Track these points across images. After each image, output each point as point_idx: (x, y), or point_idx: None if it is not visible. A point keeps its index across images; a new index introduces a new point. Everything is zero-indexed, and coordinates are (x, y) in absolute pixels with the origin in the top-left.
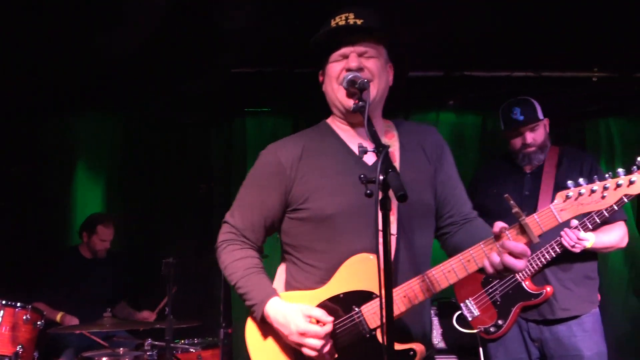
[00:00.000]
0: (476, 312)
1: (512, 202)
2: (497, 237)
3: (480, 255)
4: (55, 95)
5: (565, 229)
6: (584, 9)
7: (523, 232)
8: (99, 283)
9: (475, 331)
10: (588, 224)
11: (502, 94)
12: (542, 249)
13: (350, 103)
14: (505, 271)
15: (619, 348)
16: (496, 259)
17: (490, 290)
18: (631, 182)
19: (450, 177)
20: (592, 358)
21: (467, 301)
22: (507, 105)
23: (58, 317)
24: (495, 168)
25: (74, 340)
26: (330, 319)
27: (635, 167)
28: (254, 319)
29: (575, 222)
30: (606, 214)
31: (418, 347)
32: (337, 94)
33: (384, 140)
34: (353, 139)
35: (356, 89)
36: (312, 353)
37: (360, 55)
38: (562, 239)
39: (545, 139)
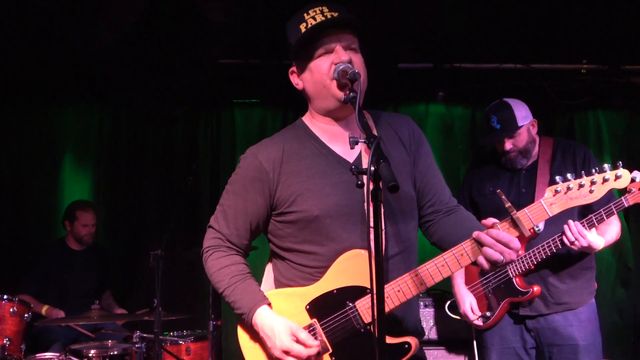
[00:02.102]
0: None
1: (503, 197)
2: (489, 228)
3: (475, 249)
4: (42, 87)
5: (569, 222)
6: (574, 1)
7: (515, 226)
8: (86, 275)
9: (465, 319)
10: (594, 220)
11: (491, 86)
12: (535, 249)
13: (341, 94)
14: (495, 265)
15: (607, 338)
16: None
17: (485, 282)
18: (617, 177)
19: (429, 166)
20: (588, 348)
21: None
22: (487, 111)
23: (43, 310)
24: (488, 166)
25: (62, 333)
26: (316, 343)
27: (620, 162)
28: (244, 324)
29: (572, 222)
30: (614, 210)
31: (412, 340)
32: (329, 89)
33: (359, 133)
34: (333, 139)
35: (347, 79)
36: None
37: (345, 48)
38: (563, 235)
39: (527, 143)
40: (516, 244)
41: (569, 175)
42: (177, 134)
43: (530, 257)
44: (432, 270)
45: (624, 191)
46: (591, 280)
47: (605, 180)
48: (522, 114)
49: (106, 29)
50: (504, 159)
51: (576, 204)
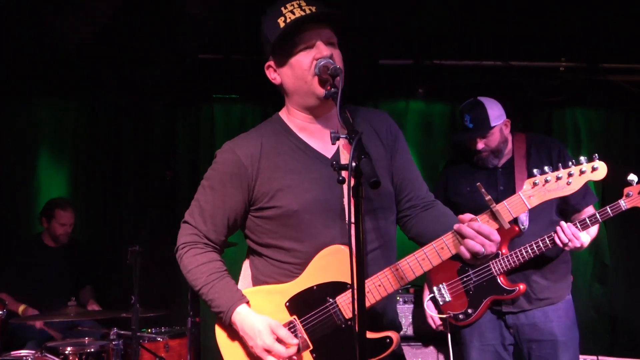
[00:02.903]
0: (448, 298)
1: (483, 190)
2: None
3: (455, 243)
4: (17, 81)
5: (562, 224)
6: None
7: (494, 219)
8: (62, 271)
9: (444, 316)
10: (589, 222)
11: (471, 83)
12: (522, 248)
13: (322, 91)
14: (477, 257)
15: (584, 334)
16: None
17: (465, 279)
18: (594, 169)
19: (406, 162)
20: (567, 344)
21: (440, 285)
22: (461, 109)
23: (20, 309)
24: (464, 165)
25: (38, 331)
26: (295, 341)
27: (596, 155)
28: (222, 324)
29: (564, 224)
30: (610, 213)
31: (394, 334)
32: (310, 86)
33: (341, 129)
34: (311, 135)
35: (329, 75)
36: None
37: (326, 43)
38: (555, 234)
39: (499, 144)
40: (496, 236)
41: (546, 168)
42: (156, 129)
43: (517, 256)
44: (413, 264)
45: (621, 194)
46: (568, 273)
47: (582, 172)
48: (496, 113)
49: (83, 21)
50: (475, 157)
51: (554, 196)
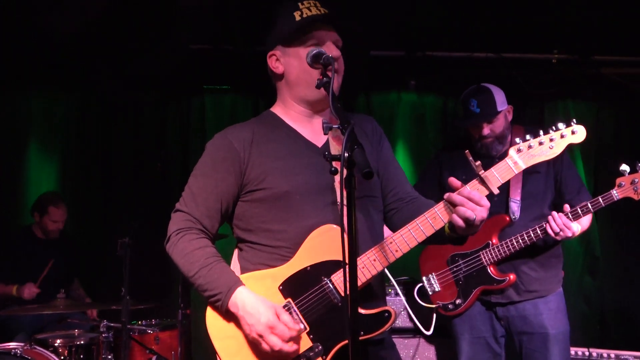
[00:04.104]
0: (437, 288)
1: (470, 158)
2: (454, 188)
3: (447, 211)
4: (7, 73)
5: (553, 214)
6: None
7: (483, 184)
8: (52, 264)
9: (433, 306)
10: (580, 212)
11: (463, 75)
12: (513, 238)
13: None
14: (469, 224)
15: (574, 326)
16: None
17: (455, 269)
18: (573, 132)
19: (391, 160)
20: (557, 337)
21: (430, 275)
22: (465, 94)
23: (14, 290)
24: (460, 153)
25: (27, 322)
26: (298, 327)
27: (574, 119)
28: (216, 308)
29: (568, 208)
30: (602, 203)
31: (391, 309)
32: (312, 74)
33: (332, 119)
34: (303, 126)
35: (320, 64)
36: (268, 349)
37: (334, 45)
38: (547, 224)
39: (504, 129)
40: (486, 202)
41: (528, 136)
42: (147, 120)
43: (507, 246)
44: (407, 236)
45: (612, 185)
46: (559, 268)
47: (562, 136)
48: (501, 99)
49: (75, 12)
50: (479, 144)
51: (538, 160)
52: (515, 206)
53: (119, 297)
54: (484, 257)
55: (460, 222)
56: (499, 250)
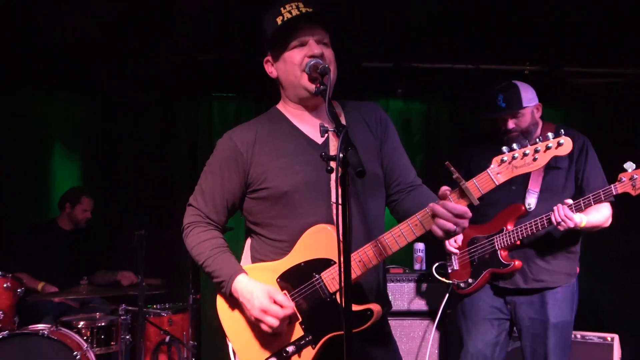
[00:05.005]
0: (456, 267)
1: (452, 168)
2: (442, 199)
3: (428, 220)
4: (31, 80)
5: (559, 205)
6: (518, 9)
7: (464, 195)
8: (74, 253)
9: (450, 282)
10: (582, 204)
11: (445, 84)
12: (522, 225)
13: (312, 87)
14: (448, 234)
15: None
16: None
17: (472, 251)
18: (559, 144)
19: (395, 149)
20: (557, 326)
21: (452, 255)
22: (495, 89)
23: (39, 286)
24: (488, 146)
25: (52, 307)
26: (291, 304)
27: (562, 130)
28: (223, 294)
29: (570, 201)
30: (602, 197)
31: (375, 307)
32: (300, 80)
33: (329, 122)
34: (304, 123)
35: (318, 74)
36: (268, 329)
37: (317, 42)
38: (552, 214)
39: (529, 125)
40: (468, 214)
41: (514, 145)
42: (159, 124)
43: (517, 233)
44: (390, 240)
45: (614, 179)
46: (573, 264)
47: (547, 148)
48: (529, 96)
49: (90, 22)
50: (505, 138)
51: (521, 172)
52: (531, 197)
53: (135, 284)
54: (497, 242)
55: (439, 233)
56: (511, 237)
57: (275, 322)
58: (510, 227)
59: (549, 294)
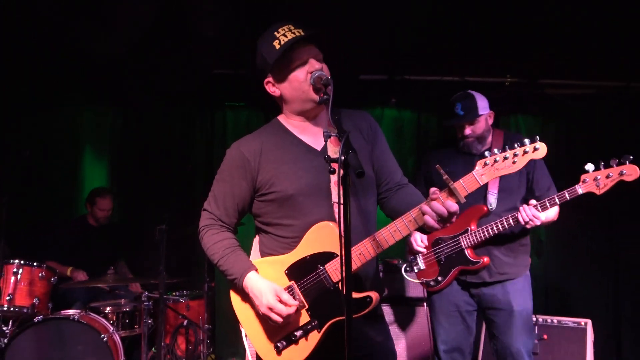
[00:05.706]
0: (422, 266)
1: (442, 170)
2: (432, 199)
3: (420, 217)
4: (65, 92)
5: (524, 206)
6: (500, 28)
7: (452, 194)
8: (101, 246)
9: (418, 281)
10: (547, 204)
11: (434, 95)
12: (488, 225)
13: (316, 97)
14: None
15: None
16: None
17: (438, 250)
18: (535, 149)
19: (383, 152)
20: (521, 312)
21: (417, 255)
22: (454, 98)
23: (68, 271)
24: (447, 150)
25: (82, 294)
26: (295, 303)
27: (537, 137)
28: (235, 289)
29: (534, 202)
30: (567, 197)
31: (373, 294)
32: (307, 94)
33: (331, 128)
34: (304, 132)
35: (322, 84)
36: (274, 323)
37: (315, 59)
38: (518, 214)
39: (484, 131)
40: (455, 209)
41: (495, 150)
42: (178, 131)
43: (483, 232)
44: (387, 235)
45: (577, 180)
46: (527, 255)
47: (525, 152)
48: (483, 104)
49: (118, 41)
50: (462, 143)
51: (502, 174)
52: (492, 198)
53: (157, 273)
54: (463, 241)
55: (433, 224)
56: (476, 236)
57: (279, 319)
58: (473, 227)
59: (510, 285)
